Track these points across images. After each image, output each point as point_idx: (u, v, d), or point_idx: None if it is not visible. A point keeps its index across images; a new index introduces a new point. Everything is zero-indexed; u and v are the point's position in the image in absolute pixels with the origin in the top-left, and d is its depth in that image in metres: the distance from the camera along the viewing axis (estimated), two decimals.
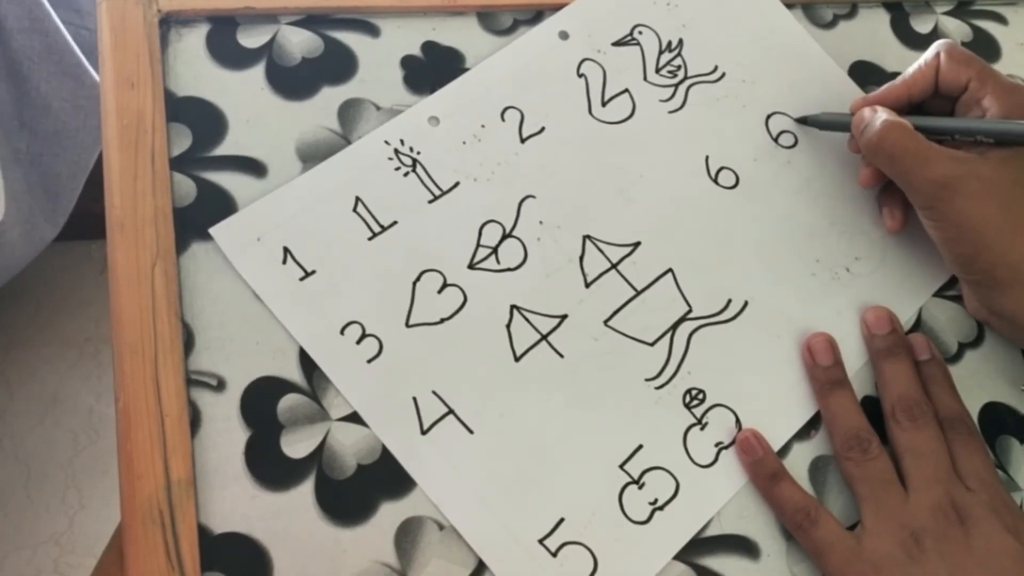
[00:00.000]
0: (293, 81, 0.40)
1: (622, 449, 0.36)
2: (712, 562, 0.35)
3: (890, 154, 0.36)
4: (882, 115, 0.37)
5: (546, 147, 0.40)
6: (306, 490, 0.33)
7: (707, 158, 0.42)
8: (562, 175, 0.40)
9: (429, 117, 0.40)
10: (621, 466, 0.35)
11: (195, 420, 0.33)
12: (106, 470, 1.02)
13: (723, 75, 0.44)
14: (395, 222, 0.38)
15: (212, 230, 0.36)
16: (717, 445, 0.36)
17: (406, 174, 0.38)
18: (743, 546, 0.35)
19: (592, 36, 0.43)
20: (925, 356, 0.38)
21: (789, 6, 0.47)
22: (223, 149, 0.38)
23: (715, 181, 0.41)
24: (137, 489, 0.32)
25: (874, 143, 0.37)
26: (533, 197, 0.39)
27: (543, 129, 0.41)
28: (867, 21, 0.48)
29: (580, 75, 0.42)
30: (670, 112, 0.42)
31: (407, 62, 0.41)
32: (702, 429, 0.37)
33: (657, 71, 0.43)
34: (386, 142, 0.39)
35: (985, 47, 0.49)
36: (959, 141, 0.37)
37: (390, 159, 0.39)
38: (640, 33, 0.44)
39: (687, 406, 0.37)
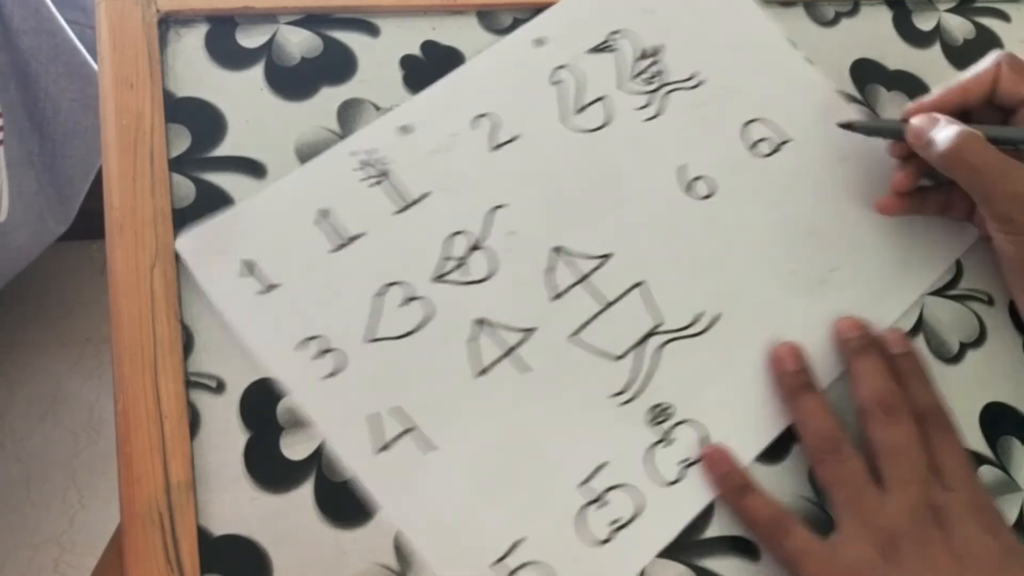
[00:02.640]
0: (292, 81, 0.39)
1: (585, 466, 0.35)
2: (711, 563, 0.34)
3: (971, 165, 0.35)
4: (953, 126, 0.36)
5: (518, 156, 0.39)
6: (306, 492, 0.33)
7: (682, 168, 0.41)
8: (534, 184, 0.39)
9: (399, 127, 0.39)
10: (583, 484, 0.34)
11: (194, 422, 0.33)
12: (106, 470, 1.02)
13: (701, 82, 0.43)
14: (360, 234, 0.37)
15: (177, 243, 0.35)
16: (682, 462, 0.35)
17: (374, 185, 0.38)
18: (742, 547, 0.35)
19: (567, 43, 0.42)
20: (899, 349, 0.37)
21: (791, 4, 0.47)
22: (222, 150, 0.38)
23: (690, 192, 0.40)
24: (136, 491, 0.32)
25: (953, 154, 0.35)
26: (503, 207, 0.38)
27: (516, 137, 0.40)
28: (869, 19, 0.48)
29: (555, 82, 0.41)
30: (646, 120, 0.41)
31: (407, 62, 0.41)
32: (667, 446, 0.36)
33: (634, 78, 0.42)
34: (354, 152, 0.38)
35: (987, 44, 0.49)
36: (1021, 150, 0.36)
37: (357, 169, 0.38)
38: (617, 40, 0.43)
39: (653, 422, 0.36)
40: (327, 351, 0.35)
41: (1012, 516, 0.37)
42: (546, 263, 0.38)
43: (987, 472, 0.38)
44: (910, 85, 0.46)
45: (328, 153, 0.38)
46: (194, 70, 0.39)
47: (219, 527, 0.32)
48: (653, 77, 0.42)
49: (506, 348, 0.36)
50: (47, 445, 1.04)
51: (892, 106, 0.45)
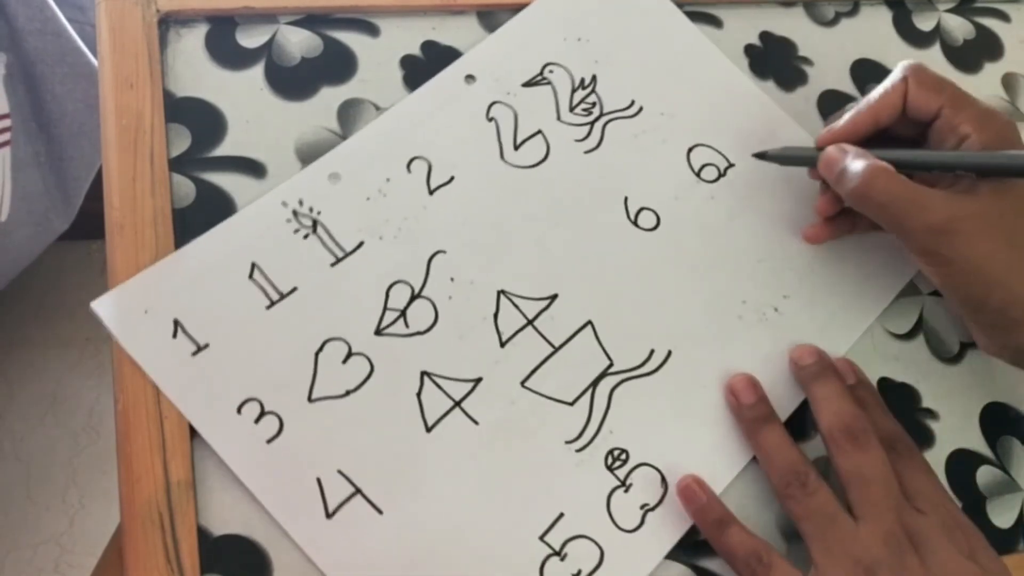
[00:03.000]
0: (293, 81, 0.39)
1: (542, 519, 0.34)
2: (712, 564, 0.34)
3: (880, 203, 0.34)
4: (861, 159, 0.35)
5: (456, 198, 0.38)
6: None
7: (626, 199, 0.40)
8: (474, 227, 0.38)
9: (329, 174, 0.37)
10: (541, 537, 0.33)
11: None
12: (106, 470, 1.02)
13: (640, 109, 0.42)
14: (295, 289, 0.35)
15: (93, 304, 0.33)
16: (643, 507, 0.34)
17: (306, 236, 0.36)
18: None
19: (500, 78, 0.41)
20: (852, 381, 0.36)
21: (791, 4, 0.47)
22: (222, 150, 0.38)
23: (635, 223, 0.39)
24: (136, 491, 0.32)
25: (861, 191, 0.34)
26: (443, 252, 0.37)
27: (452, 179, 0.38)
28: (869, 19, 0.48)
29: (490, 119, 0.40)
30: (586, 152, 0.40)
31: (407, 62, 0.41)
32: (626, 491, 0.35)
33: (571, 110, 0.41)
34: (283, 203, 0.37)
35: (987, 44, 0.49)
36: (935, 174, 0.35)
37: (288, 221, 0.36)
38: (551, 72, 0.42)
39: (609, 468, 0.35)
40: (267, 414, 0.33)
41: (1012, 516, 0.38)
42: (491, 308, 0.36)
43: (987, 472, 0.38)
44: None
45: (258, 203, 0.36)
46: (194, 70, 0.39)
47: (219, 527, 0.32)
48: (591, 107, 0.41)
49: (454, 400, 0.35)
50: (47, 445, 1.04)
51: None
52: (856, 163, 0.35)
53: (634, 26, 0.44)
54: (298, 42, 0.40)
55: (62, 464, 1.03)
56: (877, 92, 0.37)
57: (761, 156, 0.40)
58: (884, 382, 0.39)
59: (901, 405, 0.38)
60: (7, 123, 0.76)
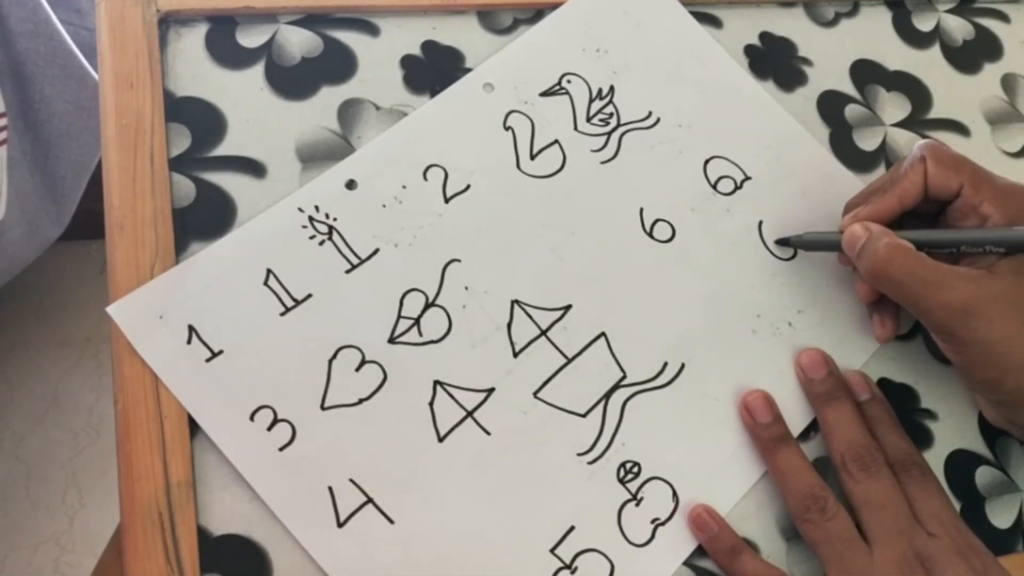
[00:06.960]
0: (293, 81, 0.39)
1: (553, 532, 0.33)
2: (712, 563, 0.34)
3: (898, 281, 0.33)
4: (881, 237, 0.34)
5: (472, 206, 0.38)
6: None
7: (642, 210, 0.40)
8: (489, 236, 0.38)
9: (346, 180, 0.37)
10: (552, 550, 0.33)
11: (194, 422, 0.33)
12: (106, 470, 1.02)
13: (658, 120, 0.42)
14: (309, 295, 0.35)
15: (110, 309, 0.34)
16: (653, 522, 0.34)
17: (321, 243, 0.36)
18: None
19: (518, 87, 0.41)
20: (866, 396, 0.37)
21: (791, 4, 0.47)
22: (222, 149, 0.38)
23: (650, 235, 0.39)
24: (136, 491, 0.32)
25: (879, 270, 0.34)
26: (458, 261, 0.37)
27: (468, 187, 0.38)
28: (869, 19, 0.48)
29: (507, 128, 0.40)
30: (603, 162, 0.40)
31: (407, 61, 0.41)
32: (637, 505, 0.35)
33: (588, 120, 0.41)
34: (300, 209, 0.36)
35: (987, 45, 0.49)
36: (963, 252, 0.35)
37: (304, 227, 0.36)
38: (569, 82, 0.42)
39: (621, 481, 0.35)
40: (280, 421, 0.33)
41: (1011, 517, 0.38)
42: (504, 318, 0.36)
43: (986, 472, 0.38)
44: (909, 86, 0.46)
45: (274, 208, 0.36)
46: (194, 70, 0.39)
47: (219, 527, 0.32)
48: (608, 118, 0.41)
49: (467, 410, 0.35)
50: (47, 445, 1.04)
51: (892, 107, 0.45)
52: (875, 242, 0.34)
53: (652, 38, 0.44)
54: (298, 42, 0.40)
55: (62, 464, 1.03)
56: (899, 175, 0.36)
57: (783, 243, 0.40)
58: (884, 382, 0.39)
59: (900, 405, 0.38)
60: (4, 121, 0.76)
